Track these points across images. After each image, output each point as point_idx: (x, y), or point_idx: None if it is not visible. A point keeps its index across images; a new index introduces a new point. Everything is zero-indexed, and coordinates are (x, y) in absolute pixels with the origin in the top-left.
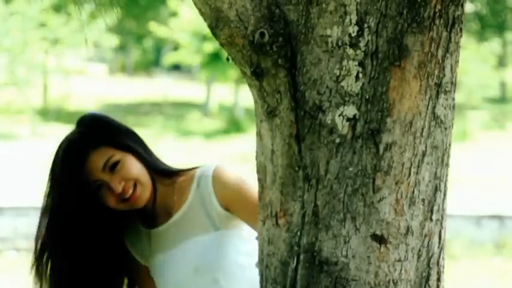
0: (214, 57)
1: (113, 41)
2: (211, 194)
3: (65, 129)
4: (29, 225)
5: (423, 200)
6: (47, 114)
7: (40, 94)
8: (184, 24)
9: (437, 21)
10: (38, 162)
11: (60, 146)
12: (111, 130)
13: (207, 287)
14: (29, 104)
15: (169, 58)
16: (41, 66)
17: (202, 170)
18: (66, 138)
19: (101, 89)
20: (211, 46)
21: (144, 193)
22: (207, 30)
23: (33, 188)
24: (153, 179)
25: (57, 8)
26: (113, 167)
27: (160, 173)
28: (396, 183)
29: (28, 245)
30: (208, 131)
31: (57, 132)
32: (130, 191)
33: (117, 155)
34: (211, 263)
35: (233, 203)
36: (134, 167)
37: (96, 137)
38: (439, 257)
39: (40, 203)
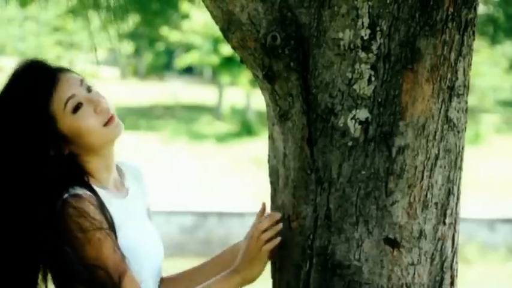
0: (228, 60)
1: (128, 46)
2: (145, 184)
3: None
4: None
5: (436, 203)
6: None
7: None
8: (196, 27)
9: (450, 24)
10: None
11: (15, 73)
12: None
13: (157, 278)
14: None
15: (182, 60)
16: None
17: (123, 162)
18: (23, 63)
19: (113, 93)
20: (225, 49)
21: (121, 126)
22: (219, 33)
23: None
24: None
25: (73, 12)
26: (89, 88)
27: None
28: (409, 187)
29: None
30: (220, 135)
31: None
32: (111, 113)
33: (90, 82)
34: (162, 251)
35: (149, 207)
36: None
37: (61, 66)
38: (453, 261)
39: None
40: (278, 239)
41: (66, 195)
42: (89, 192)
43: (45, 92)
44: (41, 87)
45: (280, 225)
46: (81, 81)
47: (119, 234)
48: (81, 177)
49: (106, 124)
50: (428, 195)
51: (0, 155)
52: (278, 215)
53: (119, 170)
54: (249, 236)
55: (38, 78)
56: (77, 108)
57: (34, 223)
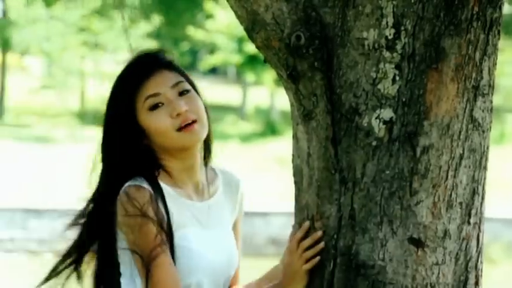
0: (252, 60)
1: (153, 46)
2: (238, 198)
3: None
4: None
5: (461, 203)
6: (84, 117)
7: (78, 98)
8: (220, 26)
9: (474, 24)
10: (75, 165)
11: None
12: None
13: (223, 283)
14: (67, 107)
15: (206, 62)
16: (79, 70)
17: (225, 171)
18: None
19: None
20: (249, 48)
21: (199, 135)
22: (243, 32)
23: (70, 190)
24: (206, 140)
25: (99, 13)
26: (182, 92)
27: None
28: (433, 187)
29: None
30: (244, 134)
31: (94, 135)
32: (190, 119)
33: (189, 87)
34: (235, 262)
35: (238, 221)
36: (201, 105)
37: (173, 63)
38: (477, 261)
39: (77, 206)
40: (317, 259)
41: (128, 183)
42: (148, 187)
43: (136, 83)
44: (135, 78)
45: (322, 244)
46: (177, 83)
47: (177, 233)
48: (148, 170)
49: (180, 129)
50: (453, 195)
51: (104, 125)
52: (319, 234)
53: (213, 176)
54: (288, 252)
55: (137, 68)
56: (155, 106)
57: (101, 204)
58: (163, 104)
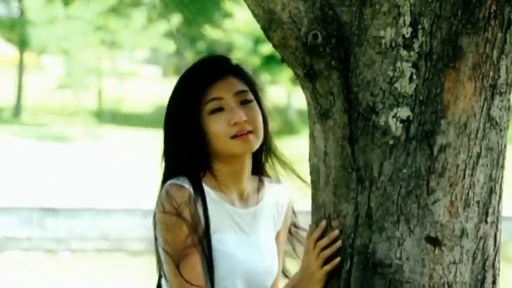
0: (269, 59)
1: (171, 45)
2: (284, 210)
3: (119, 131)
4: (83, 226)
5: (478, 202)
6: (102, 116)
7: (95, 96)
8: (238, 25)
9: (492, 22)
10: (92, 164)
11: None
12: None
13: None
14: (84, 106)
15: None
16: (96, 69)
17: (275, 183)
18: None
19: (155, 91)
20: (267, 49)
21: (253, 145)
22: (260, 31)
23: (87, 189)
24: (259, 150)
25: (116, 11)
26: (244, 101)
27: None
28: (450, 185)
29: (82, 246)
30: None
31: (111, 134)
32: (246, 130)
33: (251, 97)
34: (273, 272)
35: (281, 233)
36: (260, 118)
37: (241, 70)
38: (495, 260)
39: (94, 205)
40: (338, 259)
41: (170, 181)
42: (189, 187)
43: (203, 84)
44: (203, 79)
45: (339, 243)
46: (240, 92)
47: (214, 236)
48: (195, 171)
49: (234, 137)
50: (470, 194)
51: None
52: (336, 233)
53: (261, 186)
54: (305, 252)
55: (206, 71)
56: (215, 110)
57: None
58: (223, 109)
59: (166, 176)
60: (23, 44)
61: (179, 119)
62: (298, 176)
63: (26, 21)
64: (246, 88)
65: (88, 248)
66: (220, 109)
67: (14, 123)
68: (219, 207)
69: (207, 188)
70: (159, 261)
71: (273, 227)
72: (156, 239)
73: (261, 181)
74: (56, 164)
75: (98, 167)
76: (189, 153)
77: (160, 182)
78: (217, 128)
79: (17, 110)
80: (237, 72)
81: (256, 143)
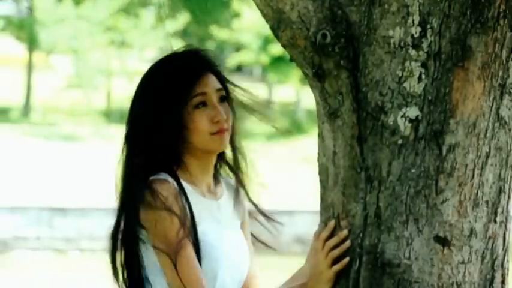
0: (278, 58)
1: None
2: (243, 203)
3: None
4: (92, 226)
5: (487, 201)
6: (111, 116)
7: (104, 96)
8: (247, 25)
9: (501, 22)
10: (100, 164)
11: (185, 49)
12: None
13: (238, 281)
14: (93, 105)
15: (233, 59)
16: (105, 68)
17: (227, 178)
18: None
19: None
20: (275, 49)
21: (226, 142)
22: (269, 31)
23: (96, 189)
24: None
25: (125, 11)
26: (221, 98)
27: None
28: (459, 185)
29: (91, 246)
30: (270, 133)
31: (120, 134)
32: (224, 128)
33: (225, 95)
34: (247, 261)
35: (245, 226)
36: (231, 116)
37: (218, 68)
38: (504, 260)
39: (103, 204)
40: (346, 259)
41: (152, 178)
42: (173, 181)
43: (192, 78)
44: (191, 73)
45: (348, 243)
46: (220, 89)
47: (198, 228)
48: (171, 166)
49: (213, 134)
50: (479, 194)
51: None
52: (345, 232)
53: (217, 180)
54: (314, 251)
55: (192, 65)
56: (199, 105)
57: (128, 195)
58: (206, 104)
59: (138, 173)
60: (32, 44)
61: (159, 113)
62: (258, 178)
63: (35, 20)
64: (221, 86)
65: (97, 247)
66: (203, 104)
67: (23, 122)
68: (197, 200)
69: (183, 182)
70: (127, 260)
71: (237, 217)
72: (135, 238)
73: (215, 176)
74: (65, 164)
75: (107, 167)
76: (166, 148)
77: (129, 180)
78: (200, 123)
79: (26, 110)
80: (216, 70)
81: (228, 141)
